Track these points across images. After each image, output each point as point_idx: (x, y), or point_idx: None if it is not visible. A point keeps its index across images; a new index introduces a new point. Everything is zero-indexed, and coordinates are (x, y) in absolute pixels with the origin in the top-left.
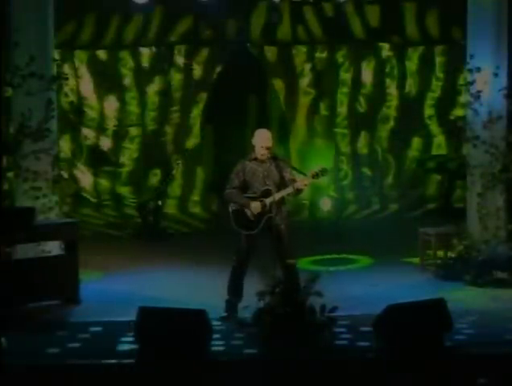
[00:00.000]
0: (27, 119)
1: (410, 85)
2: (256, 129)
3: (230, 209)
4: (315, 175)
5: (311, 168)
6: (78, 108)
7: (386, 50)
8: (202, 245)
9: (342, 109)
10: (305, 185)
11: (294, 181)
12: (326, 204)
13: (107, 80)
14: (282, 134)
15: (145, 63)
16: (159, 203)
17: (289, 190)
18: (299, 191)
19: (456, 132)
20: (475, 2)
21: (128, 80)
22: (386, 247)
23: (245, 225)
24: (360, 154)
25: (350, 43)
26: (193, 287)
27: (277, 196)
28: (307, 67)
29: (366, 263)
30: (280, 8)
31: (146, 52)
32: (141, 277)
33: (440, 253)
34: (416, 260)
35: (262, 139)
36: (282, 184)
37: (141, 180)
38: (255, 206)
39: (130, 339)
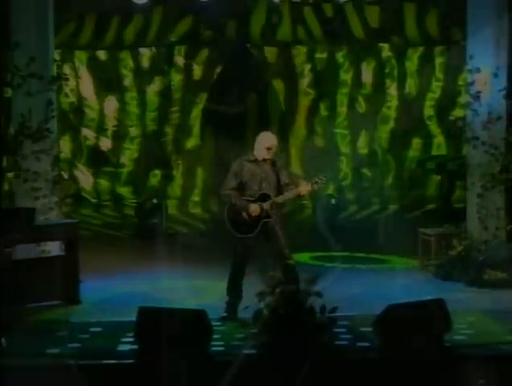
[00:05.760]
0: (27, 119)
1: (410, 86)
2: (256, 130)
3: (226, 210)
4: (315, 183)
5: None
6: (78, 108)
7: (386, 50)
8: (202, 245)
9: (342, 109)
10: (307, 191)
11: (288, 185)
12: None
13: (107, 81)
14: (283, 134)
15: (145, 63)
16: (155, 201)
17: (290, 195)
18: (300, 197)
19: (456, 132)
20: (475, 2)
21: (128, 81)
22: (386, 247)
23: (241, 228)
24: (360, 154)
25: (350, 43)
26: (193, 287)
27: (278, 200)
28: (307, 67)
29: None
30: (280, 8)
31: (146, 52)
32: (141, 277)
33: (440, 253)
34: (416, 260)
35: (265, 139)
36: (278, 187)
37: (141, 180)
38: (254, 209)
39: (130, 339)
